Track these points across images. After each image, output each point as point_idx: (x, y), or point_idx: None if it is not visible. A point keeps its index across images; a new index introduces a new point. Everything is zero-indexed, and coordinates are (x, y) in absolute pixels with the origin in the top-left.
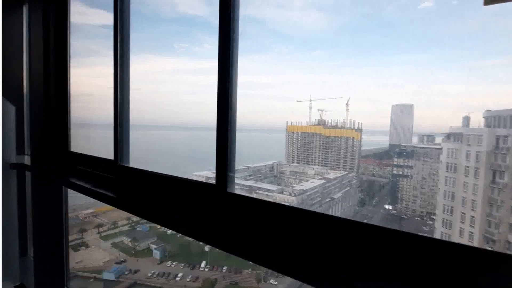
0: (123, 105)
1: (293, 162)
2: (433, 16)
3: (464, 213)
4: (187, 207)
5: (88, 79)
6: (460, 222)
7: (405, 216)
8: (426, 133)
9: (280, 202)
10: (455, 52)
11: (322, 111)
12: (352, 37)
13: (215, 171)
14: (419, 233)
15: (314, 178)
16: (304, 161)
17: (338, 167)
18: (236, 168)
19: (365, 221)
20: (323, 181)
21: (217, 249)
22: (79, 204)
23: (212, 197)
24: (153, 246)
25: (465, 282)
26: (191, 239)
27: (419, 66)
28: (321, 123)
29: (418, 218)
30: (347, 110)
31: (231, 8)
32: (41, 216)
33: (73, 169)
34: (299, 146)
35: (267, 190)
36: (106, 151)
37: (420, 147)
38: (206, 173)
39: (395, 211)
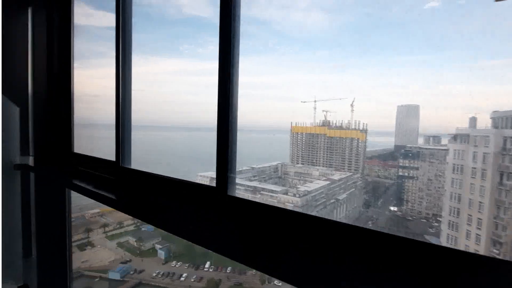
0: (125, 106)
1: (297, 163)
2: (439, 16)
3: (470, 215)
4: (187, 210)
5: (94, 80)
6: (466, 224)
7: (410, 218)
8: (432, 134)
9: (282, 206)
10: (462, 52)
11: (326, 111)
12: (357, 37)
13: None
14: (421, 240)
15: (319, 179)
16: (308, 162)
17: (343, 168)
18: (240, 169)
19: (369, 223)
20: (328, 182)
21: None
22: (85, 204)
23: (212, 200)
24: (158, 246)
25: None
26: None
27: (425, 67)
28: (325, 124)
29: (424, 220)
30: (352, 110)
31: (232, 7)
32: (44, 217)
33: (75, 170)
34: (303, 147)
35: (272, 191)
36: (110, 151)
37: (426, 148)
38: (211, 173)
39: (400, 213)
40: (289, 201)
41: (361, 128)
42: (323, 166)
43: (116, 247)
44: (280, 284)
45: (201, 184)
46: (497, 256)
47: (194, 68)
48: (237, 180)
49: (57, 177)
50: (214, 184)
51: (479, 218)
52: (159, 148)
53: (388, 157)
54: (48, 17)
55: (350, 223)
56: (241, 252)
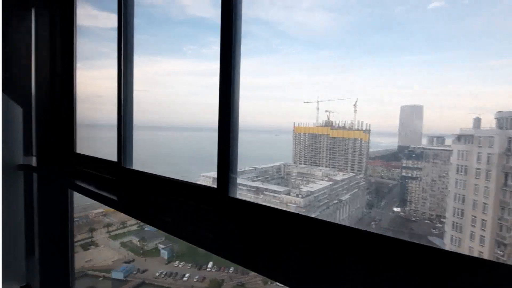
0: (127, 107)
1: (300, 164)
2: (443, 16)
3: (475, 216)
4: (187, 211)
5: (98, 81)
6: (471, 226)
7: (414, 219)
8: (436, 134)
9: (284, 206)
10: (466, 52)
11: (329, 112)
12: (360, 37)
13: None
14: (424, 241)
15: (322, 180)
16: (311, 162)
17: (346, 169)
18: (243, 169)
19: (373, 224)
20: (331, 182)
21: None
22: (89, 203)
23: (213, 201)
24: (161, 246)
25: None
26: None
27: (428, 67)
28: (328, 124)
29: (428, 221)
30: (355, 111)
31: (233, 6)
32: (47, 217)
33: (77, 170)
34: (306, 147)
35: (274, 191)
36: (114, 151)
37: (430, 149)
38: (213, 174)
39: (403, 214)
40: (292, 202)
41: (364, 128)
42: (325, 167)
43: (120, 246)
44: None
45: (202, 185)
46: (501, 258)
47: (198, 68)
48: (240, 181)
49: (59, 178)
50: (216, 185)
51: (483, 219)
52: (163, 148)
53: (392, 157)
54: (51, 18)
55: (352, 224)
56: (242, 255)
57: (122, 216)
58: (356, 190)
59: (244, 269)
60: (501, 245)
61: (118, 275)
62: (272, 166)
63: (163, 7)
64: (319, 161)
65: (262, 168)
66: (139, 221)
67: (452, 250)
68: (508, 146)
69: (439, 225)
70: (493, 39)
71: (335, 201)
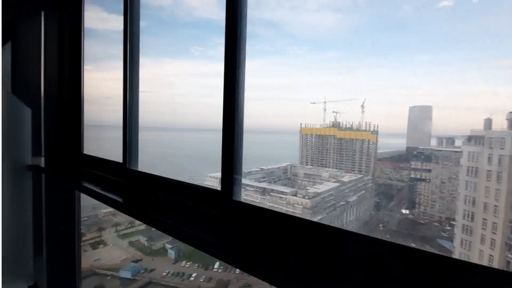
0: (132, 108)
1: (307, 164)
2: (451, 15)
3: (485, 219)
4: (191, 214)
5: (108, 82)
6: (481, 229)
7: (422, 222)
8: (446, 135)
9: (291, 208)
10: (476, 52)
11: (336, 113)
12: (368, 38)
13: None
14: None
15: (329, 181)
16: (318, 163)
17: (353, 170)
18: (249, 170)
19: (380, 226)
20: (338, 184)
21: None
22: (98, 203)
23: (217, 204)
24: (168, 246)
25: None
26: None
27: (438, 67)
28: (335, 125)
29: (437, 224)
30: (363, 112)
31: (237, 6)
32: (54, 217)
33: (84, 171)
34: (313, 148)
35: (281, 192)
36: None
37: (439, 150)
38: (220, 174)
39: (412, 216)
40: (298, 203)
41: (372, 129)
42: (332, 168)
43: (128, 246)
44: None
45: (206, 187)
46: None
47: (206, 69)
48: (247, 181)
49: (67, 179)
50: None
51: (494, 222)
52: (170, 148)
53: (400, 159)
54: (60, 20)
55: (360, 226)
56: (245, 260)
57: None
58: (363, 191)
59: None
60: None
61: (126, 274)
62: (278, 167)
63: (172, 9)
64: (326, 162)
65: (268, 169)
66: None
67: (451, 256)
68: None
69: (449, 227)
70: (503, 39)
71: (342, 203)
